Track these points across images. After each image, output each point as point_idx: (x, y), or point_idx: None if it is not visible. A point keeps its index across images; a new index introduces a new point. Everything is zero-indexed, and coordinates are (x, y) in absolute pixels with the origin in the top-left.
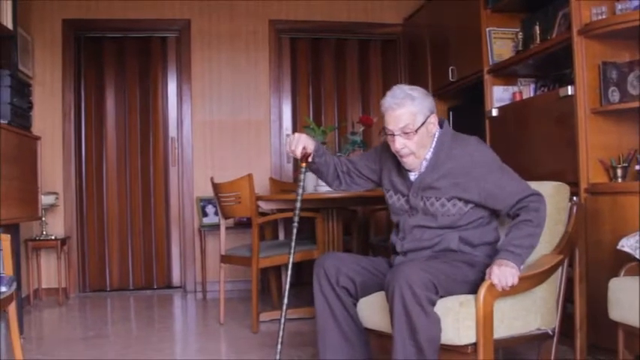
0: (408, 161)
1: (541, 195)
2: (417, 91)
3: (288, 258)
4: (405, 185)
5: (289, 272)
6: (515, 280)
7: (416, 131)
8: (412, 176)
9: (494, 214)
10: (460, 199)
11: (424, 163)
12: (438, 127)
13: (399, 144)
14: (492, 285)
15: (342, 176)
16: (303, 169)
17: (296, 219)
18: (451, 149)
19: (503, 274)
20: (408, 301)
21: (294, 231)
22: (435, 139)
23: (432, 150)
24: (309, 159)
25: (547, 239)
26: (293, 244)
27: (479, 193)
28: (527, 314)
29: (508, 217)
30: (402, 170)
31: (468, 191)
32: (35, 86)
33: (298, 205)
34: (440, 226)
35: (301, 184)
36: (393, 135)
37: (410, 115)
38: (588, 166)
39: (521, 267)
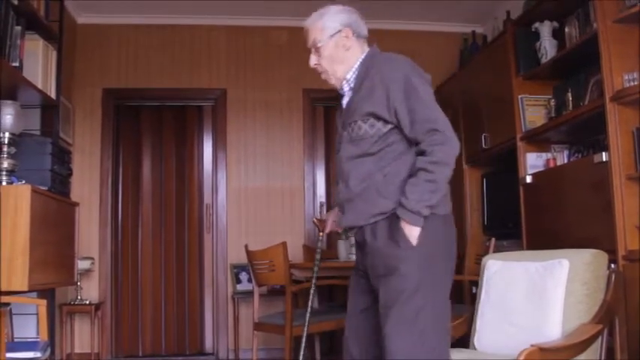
0: (326, 79)
1: (448, 132)
2: (330, 10)
3: (323, 326)
4: (339, 118)
5: (303, 341)
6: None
7: (324, 46)
8: (343, 106)
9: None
10: (377, 118)
11: (346, 88)
12: (367, 49)
13: (312, 60)
14: (531, 352)
15: None
16: (320, 237)
17: (313, 287)
18: (369, 69)
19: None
20: None
21: (311, 297)
22: (359, 61)
23: (355, 73)
24: (327, 230)
25: (586, 308)
26: (309, 309)
27: (388, 112)
28: None
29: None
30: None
31: (380, 108)
32: (75, 153)
33: (316, 269)
34: (362, 153)
35: (319, 250)
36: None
37: (317, 30)
38: (625, 233)
39: (421, 221)
